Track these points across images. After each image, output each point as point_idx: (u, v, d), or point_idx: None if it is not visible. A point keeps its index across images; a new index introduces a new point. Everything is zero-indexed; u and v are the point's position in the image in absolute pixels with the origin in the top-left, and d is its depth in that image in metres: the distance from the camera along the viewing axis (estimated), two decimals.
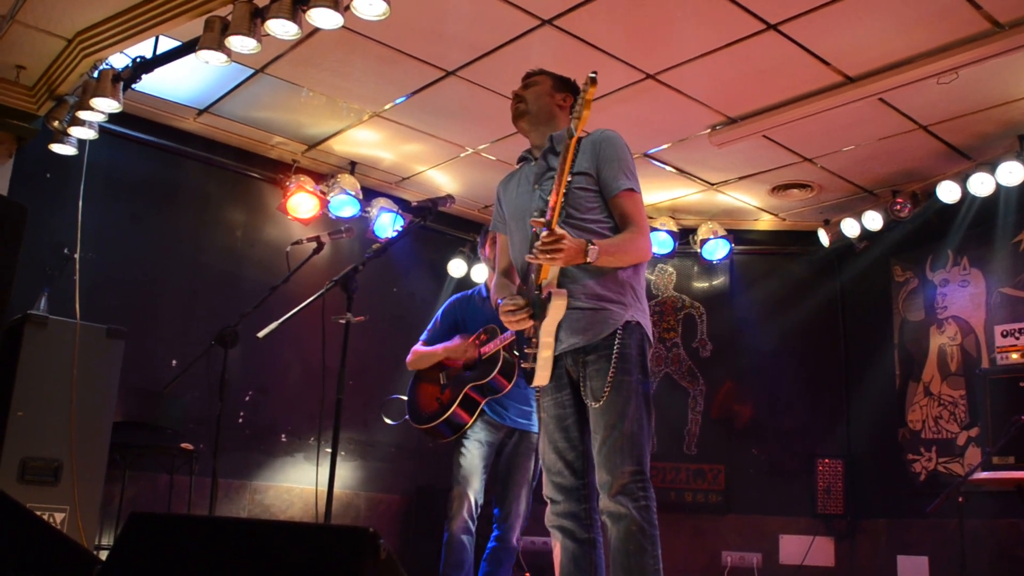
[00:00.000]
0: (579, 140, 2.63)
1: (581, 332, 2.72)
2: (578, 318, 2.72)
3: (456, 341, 4.11)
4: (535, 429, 4.04)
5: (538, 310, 2.71)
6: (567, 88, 3.06)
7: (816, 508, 6.35)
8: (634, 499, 2.57)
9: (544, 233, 2.55)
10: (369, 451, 6.40)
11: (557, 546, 2.81)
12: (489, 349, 4.00)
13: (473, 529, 3.91)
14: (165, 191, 5.86)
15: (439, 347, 4.16)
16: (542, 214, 2.70)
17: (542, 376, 2.79)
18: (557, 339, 2.75)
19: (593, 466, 2.75)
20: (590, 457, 2.76)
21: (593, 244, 2.63)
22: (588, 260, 2.62)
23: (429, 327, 4.32)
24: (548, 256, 2.56)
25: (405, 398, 4.30)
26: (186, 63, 4.52)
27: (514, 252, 3.00)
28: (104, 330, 4.37)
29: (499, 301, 2.89)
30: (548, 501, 2.82)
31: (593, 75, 2.42)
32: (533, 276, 2.73)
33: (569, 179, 2.58)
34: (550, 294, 2.66)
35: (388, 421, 4.86)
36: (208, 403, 4.86)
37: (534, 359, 2.77)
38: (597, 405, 2.67)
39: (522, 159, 3.09)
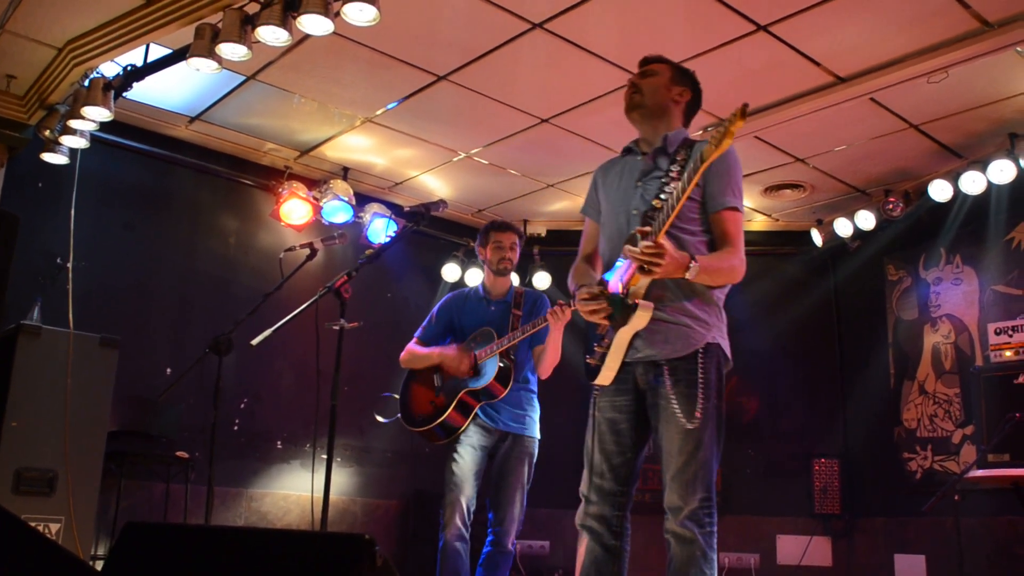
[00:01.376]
0: (692, 145, 2.56)
1: (660, 345, 2.67)
2: (659, 330, 2.67)
3: (452, 350, 4.07)
4: (528, 433, 4.03)
5: (618, 314, 2.65)
6: (685, 81, 2.93)
7: (813, 508, 6.35)
8: (700, 525, 2.58)
9: (647, 243, 2.46)
10: (365, 457, 6.39)
11: (582, 547, 2.78)
12: (484, 354, 3.99)
13: (467, 535, 3.89)
14: (157, 199, 5.85)
15: (435, 351, 4.12)
16: (643, 215, 2.64)
17: (607, 376, 2.75)
18: (632, 346, 2.70)
19: (637, 477, 2.75)
20: (636, 467, 2.75)
21: (695, 261, 2.56)
22: (688, 277, 2.56)
23: (424, 324, 4.28)
24: (647, 265, 2.48)
25: (398, 397, 4.28)
26: (177, 71, 4.52)
27: (605, 242, 2.91)
28: (98, 339, 4.36)
29: (576, 288, 2.83)
30: (582, 499, 2.77)
31: (745, 105, 2.30)
32: (624, 278, 2.67)
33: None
34: (636, 304, 2.60)
35: (380, 419, 4.84)
36: (203, 411, 4.85)
37: (602, 359, 2.73)
38: (691, 427, 2.60)
39: (627, 150, 2.99)
